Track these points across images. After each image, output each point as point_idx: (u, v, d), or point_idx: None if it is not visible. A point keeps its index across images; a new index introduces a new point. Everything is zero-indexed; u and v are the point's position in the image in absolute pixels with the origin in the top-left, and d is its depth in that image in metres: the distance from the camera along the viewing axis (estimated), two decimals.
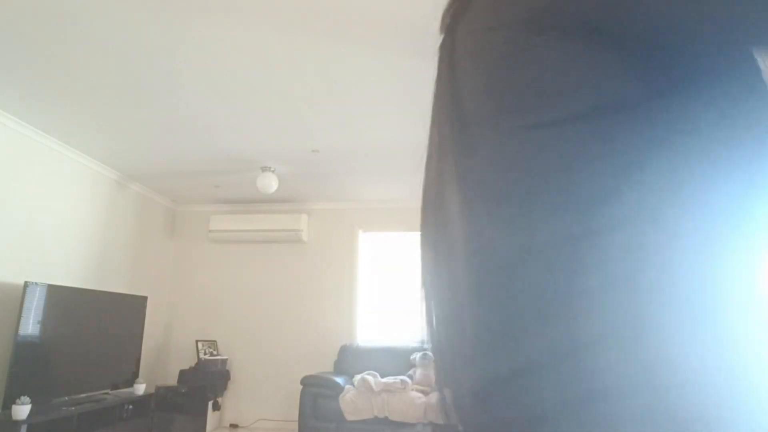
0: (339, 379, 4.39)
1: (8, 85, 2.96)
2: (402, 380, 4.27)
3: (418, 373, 4.56)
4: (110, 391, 3.94)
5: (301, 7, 2.20)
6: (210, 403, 4.79)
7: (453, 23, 0.42)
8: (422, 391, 4.33)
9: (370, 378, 4.25)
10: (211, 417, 4.83)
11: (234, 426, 5.10)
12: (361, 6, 2.20)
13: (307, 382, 4.37)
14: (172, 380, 4.99)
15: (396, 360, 4.78)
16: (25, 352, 3.20)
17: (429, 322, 0.43)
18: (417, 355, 4.67)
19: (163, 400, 4.45)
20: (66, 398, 3.46)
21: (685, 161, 0.31)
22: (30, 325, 3.25)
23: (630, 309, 0.30)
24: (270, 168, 4.40)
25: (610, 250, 0.31)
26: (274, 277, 5.47)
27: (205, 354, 5.01)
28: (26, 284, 3.22)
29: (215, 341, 5.28)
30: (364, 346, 5.01)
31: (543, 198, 0.33)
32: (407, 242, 5.46)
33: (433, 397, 4.19)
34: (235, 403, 5.18)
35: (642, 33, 0.32)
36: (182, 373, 4.84)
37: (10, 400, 2.99)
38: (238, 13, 2.27)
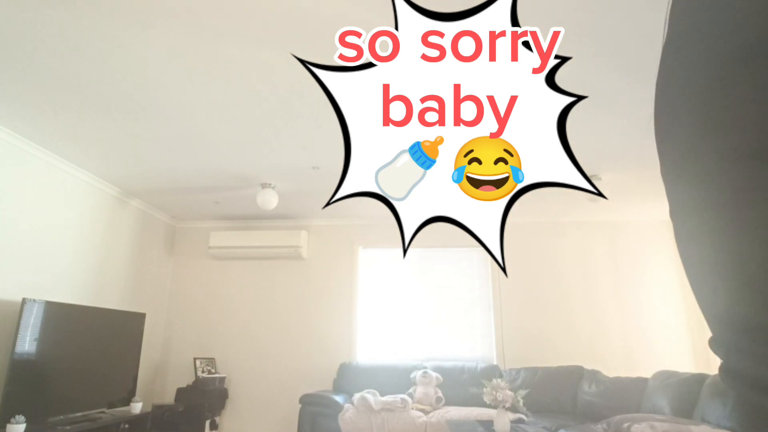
0: (338, 398, 4.34)
1: (8, 101, 2.98)
2: (402, 399, 4.22)
3: (418, 391, 4.51)
4: (106, 410, 3.89)
5: (301, 25, 2.23)
6: (207, 423, 4.73)
7: None
8: (422, 410, 4.27)
9: (369, 396, 4.20)
10: None
11: None
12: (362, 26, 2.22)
13: (305, 400, 4.32)
14: (169, 399, 4.93)
15: (396, 378, 4.72)
16: (21, 369, 3.17)
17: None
18: (417, 373, 4.62)
19: (159, 419, 4.39)
20: (61, 417, 3.42)
21: None
22: (27, 343, 3.22)
23: None
24: (270, 184, 4.41)
25: None
26: (273, 293, 5.44)
27: (203, 372, 4.96)
28: (24, 301, 3.21)
29: (213, 359, 5.23)
30: (364, 364, 4.96)
31: None
32: (407, 259, 5.44)
33: (434, 416, 4.14)
34: (233, 422, 5.12)
35: None
36: (179, 391, 4.78)
37: (5, 418, 2.94)
38: (238, 30, 2.30)
